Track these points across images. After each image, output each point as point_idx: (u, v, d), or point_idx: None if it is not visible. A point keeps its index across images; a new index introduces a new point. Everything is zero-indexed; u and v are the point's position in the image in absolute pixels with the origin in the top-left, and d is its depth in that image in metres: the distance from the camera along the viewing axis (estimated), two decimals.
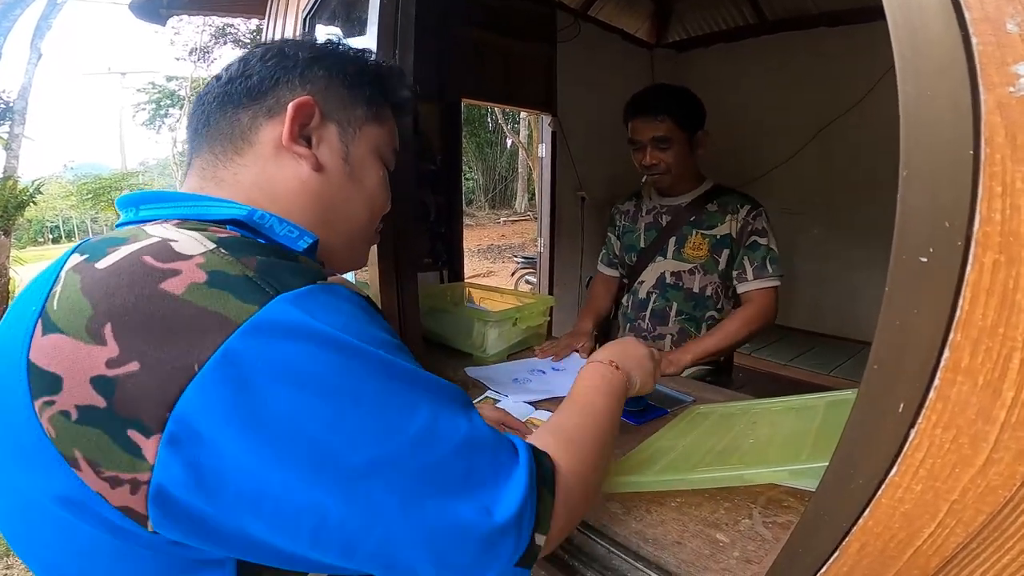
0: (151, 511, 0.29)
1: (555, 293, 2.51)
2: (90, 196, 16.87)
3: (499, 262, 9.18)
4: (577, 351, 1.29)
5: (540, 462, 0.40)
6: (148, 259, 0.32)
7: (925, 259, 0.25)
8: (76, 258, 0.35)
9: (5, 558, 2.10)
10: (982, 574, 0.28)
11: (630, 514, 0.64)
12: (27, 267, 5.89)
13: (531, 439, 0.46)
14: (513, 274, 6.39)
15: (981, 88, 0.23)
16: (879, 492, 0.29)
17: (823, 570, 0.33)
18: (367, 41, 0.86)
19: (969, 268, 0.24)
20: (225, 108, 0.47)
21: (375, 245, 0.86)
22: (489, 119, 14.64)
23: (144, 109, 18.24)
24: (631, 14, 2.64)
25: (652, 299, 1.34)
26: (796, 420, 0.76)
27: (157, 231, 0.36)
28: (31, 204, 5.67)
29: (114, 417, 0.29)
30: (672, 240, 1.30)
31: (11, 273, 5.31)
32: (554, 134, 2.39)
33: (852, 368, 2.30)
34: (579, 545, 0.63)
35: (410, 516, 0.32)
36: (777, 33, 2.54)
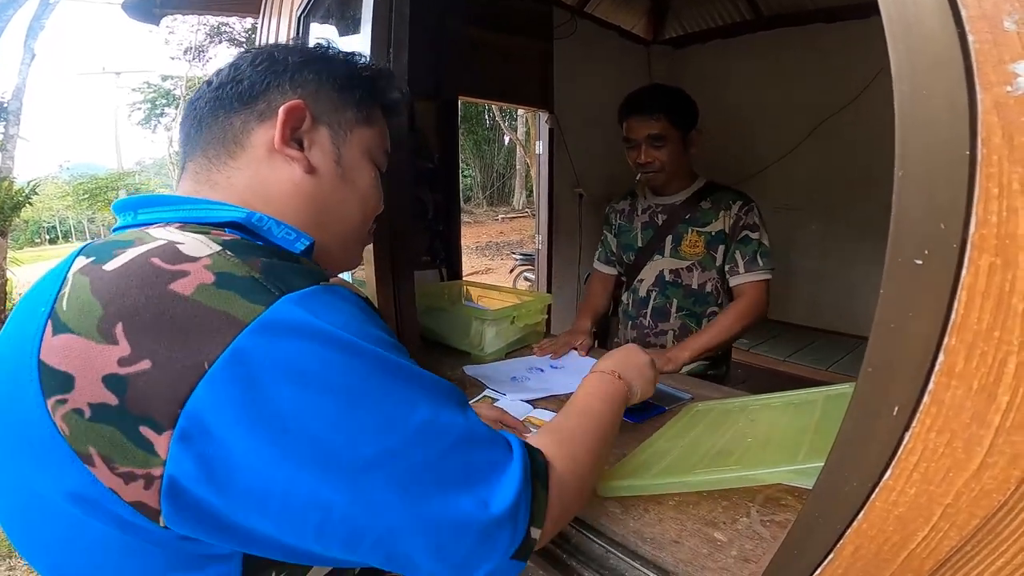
0: (164, 505, 0.30)
1: (553, 290, 2.51)
2: (86, 196, 16.82)
3: (497, 259, 9.18)
4: (576, 349, 1.29)
5: (534, 458, 0.42)
6: (156, 261, 0.33)
7: (920, 261, 0.24)
8: (82, 260, 0.35)
9: (8, 559, 2.10)
10: None
11: (628, 513, 0.64)
12: (24, 268, 5.87)
13: (529, 438, 0.47)
14: (511, 271, 6.38)
15: (978, 87, 0.23)
16: (873, 495, 0.29)
17: (818, 572, 0.33)
18: (361, 40, 0.85)
19: (964, 271, 0.23)
20: (217, 113, 0.48)
21: (370, 244, 0.86)
22: (487, 116, 14.60)
23: (139, 109, 18.16)
24: (628, 10, 2.63)
25: (652, 297, 1.36)
26: (794, 416, 0.76)
27: (161, 234, 0.37)
28: (27, 205, 5.64)
29: (127, 414, 0.30)
30: (669, 238, 1.32)
31: (8, 274, 5.29)
32: (551, 131, 2.38)
33: (850, 363, 2.30)
34: (577, 544, 0.63)
35: (411, 509, 0.33)
36: (773, 29, 2.53)
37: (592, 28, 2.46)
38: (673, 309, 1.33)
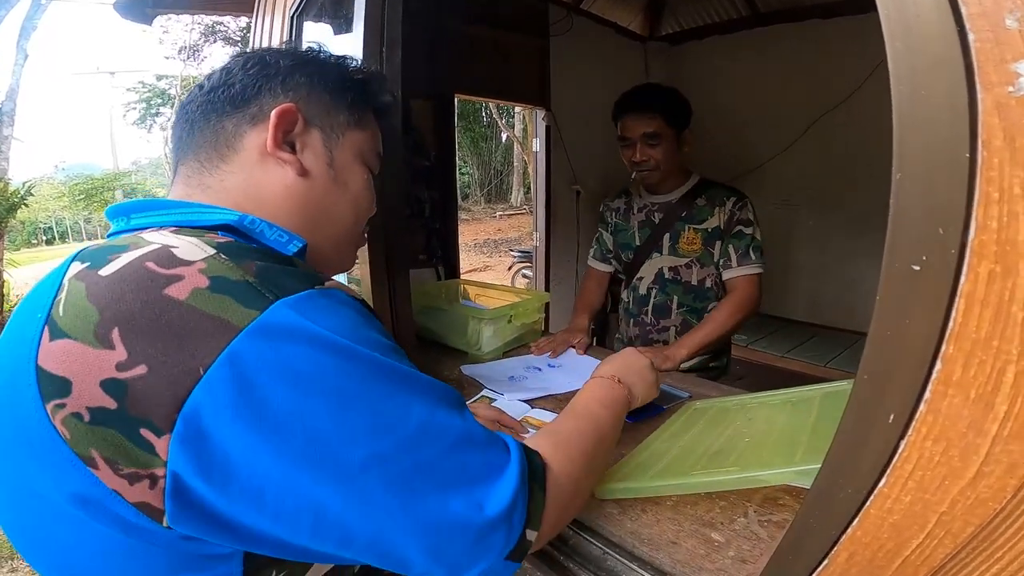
0: (168, 505, 0.31)
1: (552, 286, 2.51)
2: (82, 197, 16.74)
3: (496, 256, 9.17)
4: (574, 347, 1.29)
5: (531, 460, 0.42)
6: (151, 265, 0.33)
7: (918, 267, 0.24)
8: (77, 266, 0.35)
9: (10, 561, 2.11)
10: None
11: (625, 514, 0.64)
12: (21, 269, 5.85)
13: (527, 440, 0.48)
14: (510, 268, 6.38)
15: (978, 87, 0.22)
16: (868, 502, 0.29)
17: None
18: (354, 39, 0.84)
19: (963, 279, 0.22)
20: (209, 116, 0.48)
21: (365, 244, 0.85)
22: (484, 113, 14.56)
23: (134, 108, 18.07)
24: (624, 7, 2.62)
25: (653, 294, 1.37)
26: (792, 415, 0.76)
27: (156, 238, 0.37)
28: (23, 206, 5.61)
29: (127, 417, 0.30)
30: (666, 237, 1.32)
31: (5, 276, 5.27)
32: (548, 128, 2.38)
33: (849, 359, 2.30)
34: (574, 546, 0.62)
35: (404, 510, 0.34)
36: (770, 25, 2.52)
37: (588, 25, 2.45)
38: (674, 306, 1.35)
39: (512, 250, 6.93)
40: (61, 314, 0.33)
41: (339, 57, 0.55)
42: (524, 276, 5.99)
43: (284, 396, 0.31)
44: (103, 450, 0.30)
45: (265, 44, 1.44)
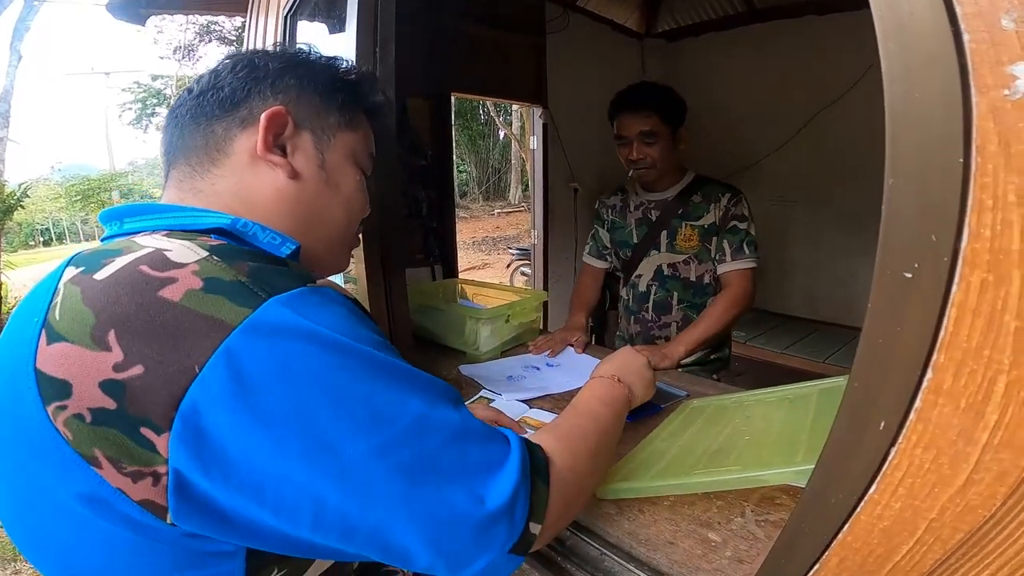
0: (171, 501, 0.31)
1: (550, 284, 2.52)
2: (79, 198, 16.67)
3: (494, 254, 9.16)
4: (572, 345, 1.29)
5: (533, 453, 0.42)
6: (145, 268, 0.34)
7: (910, 275, 0.23)
8: (72, 271, 0.36)
9: (13, 562, 2.12)
10: None
11: (623, 514, 0.64)
12: (19, 271, 5.83)
13: (529, 436, 0.47)
14: (508, 266, 6.37)
15: (973, 90, 0.22)
16: (858, 508, 0.29)
17: None
18: (347, 39, 0.84)
19: (955, 287, 0.22)
20: (198, 121, 0.48)
21: (359, 245, 0.85)
22: (481, 111, 14.52)
23: (130, 109, 17.98)
24: (620, 4, 2.61)
25: (653, 291, 1.38)
26: (789, 412, 0.76)
27: (149, 241, 0.37)
28: (19, 208, 5.59)
29: (126, 417, 0.30)
30: (664, 234, 1.33)
31: (3, 278, 5.25)
32: (545, 126, 2.37)
33: (847, 355, 2.31)
34: (572, 547, 0.62)
35: (404, 502, 0.34)
36: (767, 21, 2.52)
37: (585, 22, 2.44)
38: (674, 302, 1.36)
39: (510, 248, 6.91)
40: (58, 318, 0.33)
41: (329, 58, 0.54)
42: (523, 274, 5.98)
43: (279, 390, 0.32)
44: (106, 449, 0.31)
45: (259, 44, 1.43)
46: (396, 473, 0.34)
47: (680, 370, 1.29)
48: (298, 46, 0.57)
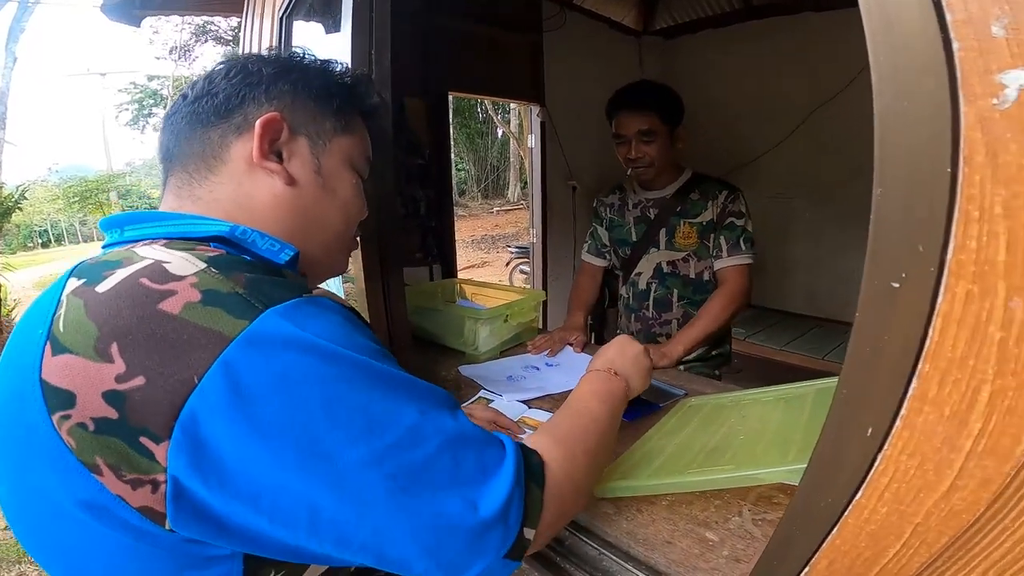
0: (169, 509, 0.32)
1: (549, 282, 2.52)
2: (77, 199, 16.62)
3: (493, 252, 9.16)
4: (570, 345, 1.29)
5: (528, 458, 0.43)
6: (145, 281, 0.35)
7: (897, 284, 0.23)
8: (74, 282, 0.37)
9: (18, 565, 2.14)
10: None
11: (621, 514, 0.64)
12: (17, 273, 5.82)
13: (525, 439, 0.48)
14: (507, 264, 6.37)
15: (961, 100, 0.21)
16: (846, 512, 0.29)
17: None
18: (342, 40, 0.83)
19: (941, 298, 0.22)
20: (194, 127, 0.48)
21: (357, 248, 0.85)
22: (479, 109, 14.49)
23: (127, 109, 17.96)
24: (617, 2, 2.60)
25: (653, 289, 1.38)
26: (785, 412, 0.76)
27: (148, 252, 0.38)
28: (17, 210, 5.58)
29: (127, 426, 0.31)
30: (662, 232, 1.33)
31: (2, 280, 5.24)
32: (543, 124, 2.37)
33: (845, 352, 2.31)
34: (570, 547, 0.63)
35: (398, 511, 0.35)
36: (763, 18, 2.51)
37: (582, 20, 2.43)
38: (674, 299, 1.36)
39: (509, 246, 6.91)
40: (62, 330, 0.34)
41: (324, 61, 0.54)
42: (522, 271, 5.98)
43: (276, 400, 0.32)
44: (107, 457, 0.32)
45: (255, 45, 1.43)
46: (391, 481, 0.34)
47: (682, 367, 1.29)
48: (293, 49, 0.57)
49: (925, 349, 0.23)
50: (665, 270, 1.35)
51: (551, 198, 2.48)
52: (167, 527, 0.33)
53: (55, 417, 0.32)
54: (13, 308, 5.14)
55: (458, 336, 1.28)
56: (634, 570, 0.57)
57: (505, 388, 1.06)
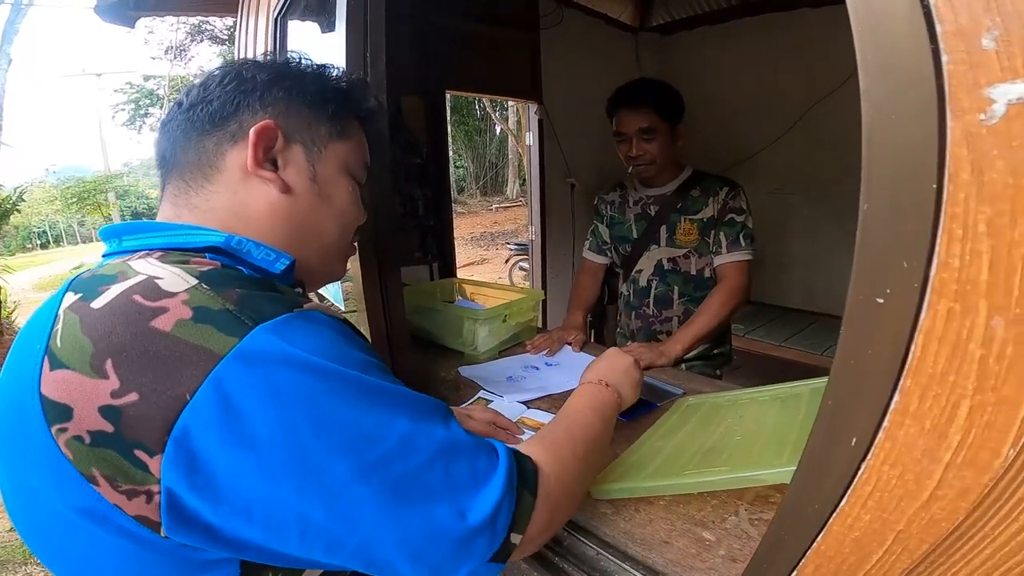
0: (163, 518, 0.33)
1: (548, 279, 2.52)
2: (75, 200, 16.58)
3: (492, 249, 9.15)
4: (569, 344, 1.29)
5: (521, 465, 0.43)
6: (138, 298, 0.35)
7: (881, 300, 0.24)
8: (71, 297, 0.38)
9: (24, 566, 2.16)
10: None
11: (619, 514, 0.65)
12: (16, 275, 5.82)
13: (520, 446, 0.48)
14: (507, 261, 6.37)
15: (948, 114, 0.21)
16: (831, 518, 0.30)
17: None
18: (337, 40, 0.83)
19: (923, 315, 0.22)
20: (189, 136, 0.48)
21: (355, 253, 0.85)
22: (477, 107, 14.45)
23: (123, 110, 17.90)
24: None
25: (653, 286, 1.38)
26: (781, 412, 0.76)
27: (143, 267, 0.39)
28: (15, 211, 5.57)
29: (122, 440, 0.32)
30: (663, 228, 1.33)
31: (1, 282, 5.24)
32: (541, 122, 2.36)
33: None
34: (568, 547, 0.63)
35: (387, 521, 0.36)
36: (760, 15, 2.50)
37: (578, 17, 2.42)
38: (675, 296, 1.36)
39: (509, 243, 6.91)
40: (59, 345, 0.35)
41: (320, 66, 0.54)
42: (521, 269, 5.98)
43: (266, 415, 0.33)
44: (103, 469, 0.33)
45: (251, 45, 1.43)
46: (381, 492, 0.35)
47: (683, 366, 1.30)
48: (289, 54, 0.57)
49: (907, 365, 0.24)
50: (666, 267, 1.35)
51: (549, 196, 2.48)
52: (162, 534, 0.34)
53: (54, 429, 0.33)
54: (13, 310, 5.14)
55: (457, 336, 1.28)
56: (632, 570, 0.58)
57: (506, 389, 1.06)
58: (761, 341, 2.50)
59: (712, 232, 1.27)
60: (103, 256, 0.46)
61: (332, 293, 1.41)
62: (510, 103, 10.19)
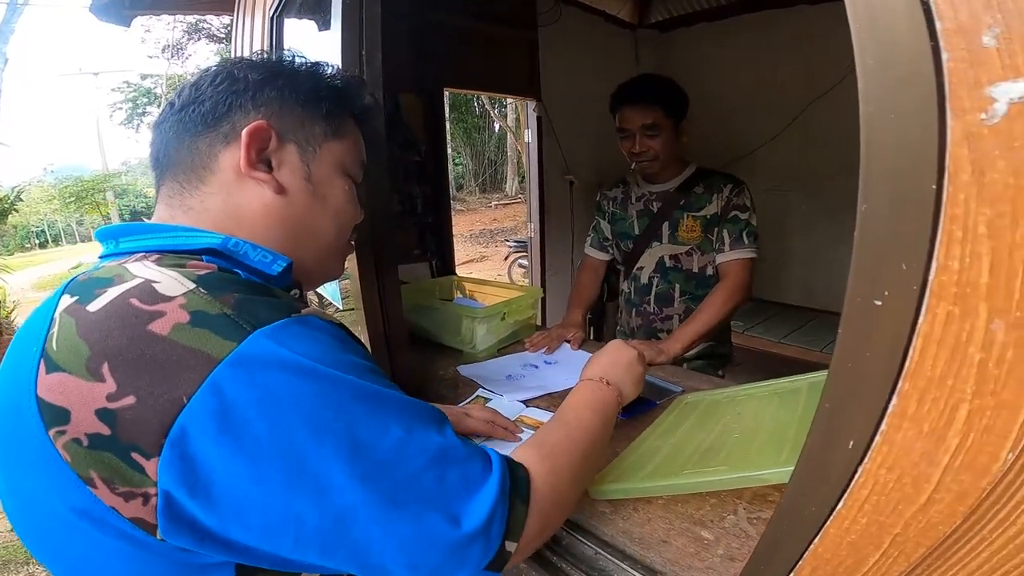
0: (160, 520, 0.33)
1: (548, 276, 2.52)
2: (73, 199, 16.55)
3: (492, 246, 9.15)
4: (568, 342, 1.29)
5: (514, 473, 0.43)
6: (135, 302, 0.35)
7: (879, 303, 0.23)
8: (67, 299, 0.38)
9: (26, 566, 2.17)
10: None
11: (617, 513, 0.65)
12: (15, 274, 5.81)
13: (513, 452, 0.49)
14: (506, 258, 6.37)
15: (948, 114, 0.21)
16: (828, 522, 0.30)
17: None
18: (332, 37, 0.82)
19: (922, 318, 0.22)
20: (182, 137, 0.47)
21: (352, 252, 0.85)
22: (476, 104, 14.41)
23: (121, 109, 17.86)
24: None
25: (655, 283, 1.37)
26: (779, 408, 0.76)
27: (139, 270, 0.39)
28: (13, 211, 5.56)
29: (119, 442, 0.32)
30: (665, 225, 1.32)
31: (0, 282, 5.23)
32: (539, 119, 2.35)
33: None
34: (567, 546, 0.63)
35: (380, 528, 0.36)
36: (758, 11, 2.49)
37: (577, 14, 2.41)
38: (676, 294, 1.35)
39: (508, 240, 6.90)
40: (55, 348, 0.35)
41: (313, 64, 0.53)
42: (520, 266, 5.98)
43: (262, 421, 0.33)
44: (101, 471, 0.33)
45: (247, 44, 1.42)
46: (375, 498, 0.35)
47: (685, 366, 1.29)
48: (284, 52, 0.57)
49: (905, 368, 0.23)
50: (667, 264, 1.34)
51: (548, 193, 2.47)
52: (158, 537, 0.34)
53: (51, 432, 0.33)
54: (12, 310, 5.13)
55: (455, 334, 1.28)
56: (630, 569, 0.58)
57: (505, 387, 1.06)
58: (760, 338, 2.50)
59: (715, 229, 1.26)
60: (100, 258, 0.46)
61: (330, 292, 1.40)
62: (509, 100, 10.17)
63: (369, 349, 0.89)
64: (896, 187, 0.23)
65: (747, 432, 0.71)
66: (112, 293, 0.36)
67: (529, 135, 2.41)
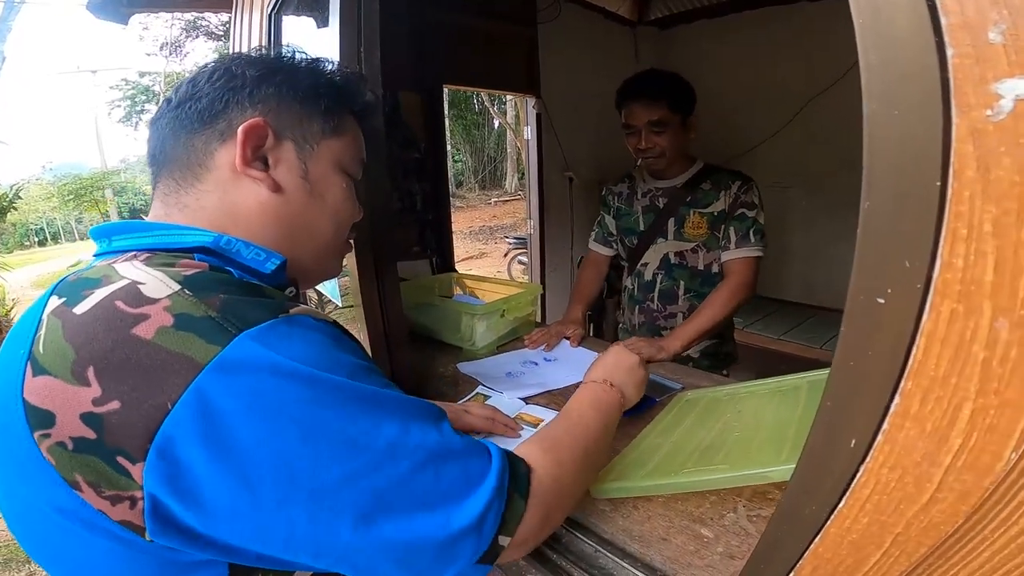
0: (147, 523, 0.33)
1: (547, 273, 2.52)
2: (71, 197, 16.51)
3: (491, 243, 9.15)
4: (567, 339, 1.29)
5: (514, 468, 0.43)
6: (120, 304, 0.35)
7: (882, 300, 0.23)
8: (55, 301, 0.37)
9: (27, 565, 2.19)
10: None
11: (617, 511, 0.65)
12: (15, 272, 5.80)
13: (516, 447, 0.48)
14: (506, 255, 6.37)
15: (954, 110, 0.20)
16: (829, 521, 0.29)
17: None
18: (331, 37, 0.82)
19: (926, 316, 0.22)
20: (178, 134, 0.47)
21: (351, 251, 0.85)
22: (475, 101, 14.38)
23: (119, 106, 17.84)
24: None
25: (659, 280, 1.36)
26: (779, 406, 0.76)
27: (127, 271, 0.38)
28: (12, 209, 5.55)
29: (104, 447, 0.32)
30: (671, 221, 1.31)
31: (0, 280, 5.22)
32: (539, 116, 2.35)
33: None
34: (567, 544, 0.63)
35: (371, 530, 0.35)
36: (758, 8, 2.48)
37: (576, 11, 2.40)
38: (680, 291, 1.34)
39: (508, 237, 6.90)
40: (42, 351, 0.35)
41: (312, 61, 0.53)
42: (520, 262, 5.99)
43: (249, 426, 0.33)
44: (86, 475, 0.32)
45: (245, 42, 1.41)
46: (366, 500, 0.35)
47: (690, 364, 1.29)
48: (283, 48, 0.56)
49: (908, 367, 0.23)
50: (672, 261, 1.32)
51: (548, 190, 2.47)
52: (147, 538, 0.34)
53: (36, 435, 0.33)
54: (12, 308, 5.13)
55: (455, 332, 1.28)
56: (630, 567, 0.58)
57: (505, 385, 1.06)
58: (760, 335, 2.49)
59: (722, 226, 1.24)
60: (94, 256, 0.45)
61: (330, 289, 1.40)
62: (508, 97, 10.15)
63: (367, 347, 0.89)
64: (900, 184, 0.22)
65: (747, 430, 0.71)
66: (99, 295, 0.36)
67: (529, 132, 2.40)
